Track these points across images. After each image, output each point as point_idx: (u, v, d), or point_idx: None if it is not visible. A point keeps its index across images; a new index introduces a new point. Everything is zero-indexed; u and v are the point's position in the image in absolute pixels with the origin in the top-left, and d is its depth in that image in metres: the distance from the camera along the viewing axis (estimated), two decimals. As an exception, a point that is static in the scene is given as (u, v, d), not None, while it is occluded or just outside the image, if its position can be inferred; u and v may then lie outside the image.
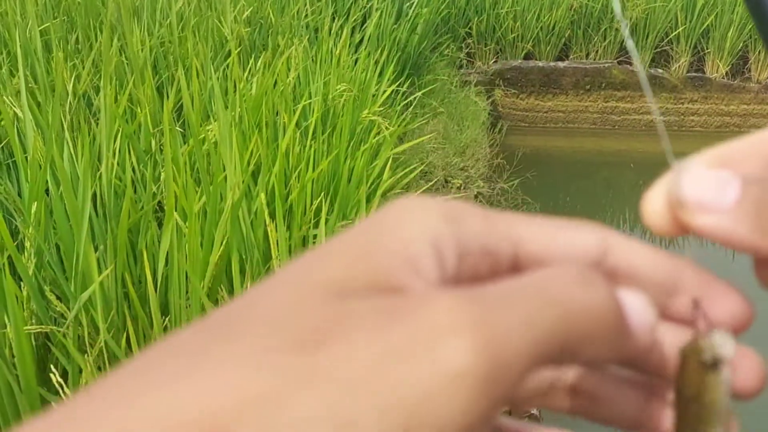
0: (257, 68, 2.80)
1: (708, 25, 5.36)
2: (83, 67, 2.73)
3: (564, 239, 0.23)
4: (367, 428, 0.16)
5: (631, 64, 5.35)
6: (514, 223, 0.23)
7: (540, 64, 5.24)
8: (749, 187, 0.24)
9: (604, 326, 0.20)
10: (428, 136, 3.21)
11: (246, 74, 2.78)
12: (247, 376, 0.17)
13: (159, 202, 2.02)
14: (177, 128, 2.32)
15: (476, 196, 3.18)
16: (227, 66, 2.85)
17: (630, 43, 0.31)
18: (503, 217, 0.23)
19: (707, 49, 5.47)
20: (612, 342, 0.21)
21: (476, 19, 5.11)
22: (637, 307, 0.22)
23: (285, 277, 0.20)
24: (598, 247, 0.23)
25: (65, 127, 2.23)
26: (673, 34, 5.41)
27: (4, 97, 2.30)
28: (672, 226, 0.25)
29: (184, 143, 2.28)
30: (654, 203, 0.25)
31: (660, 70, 5.45)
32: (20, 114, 2.17)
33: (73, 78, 2.56)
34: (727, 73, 5.44)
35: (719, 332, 0.22)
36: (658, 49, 5.50)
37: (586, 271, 0.21)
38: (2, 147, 2.22)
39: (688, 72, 5.46)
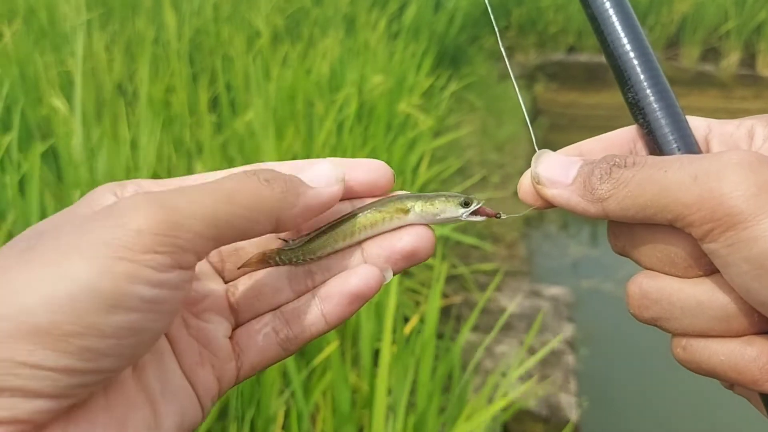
0: (292, 58, 2.76)
1: (760, 20, 5.12)
2: (120, 58, 2.73)
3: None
4: None
5: (677, 59, 5.16)
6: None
7: (582, 59, 5.09)
8: (582, 167, 0.34)
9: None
10: (465, 132, 3.13)
11: (282, 65, 2.75)
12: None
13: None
14: (212, 115, 2.30)
15: (515, 194, 3.08)
16: (262, 56, 2.82)
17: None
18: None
19: (759, 45, 5.23)
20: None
21: (516, 11, 4.99)
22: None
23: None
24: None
25: (104, 115, 2.22)
26: (723, 29, 5.19)
27: (49, 89, 2.31)
28: (536, 199, 0.36)
29: (219, 132, 2.25)
30: (524, 182, 0.36)
31: (708, 67, 5.24)
32: (61, 106, 2.17)
33: (113, 69, 2.57)
34: (780, 70, 5.20)
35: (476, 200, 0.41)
36: (708, 45, 5.28)
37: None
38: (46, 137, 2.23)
39: (738, 69, 5.24)
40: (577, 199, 0.33)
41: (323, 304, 0.39)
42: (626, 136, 0.38)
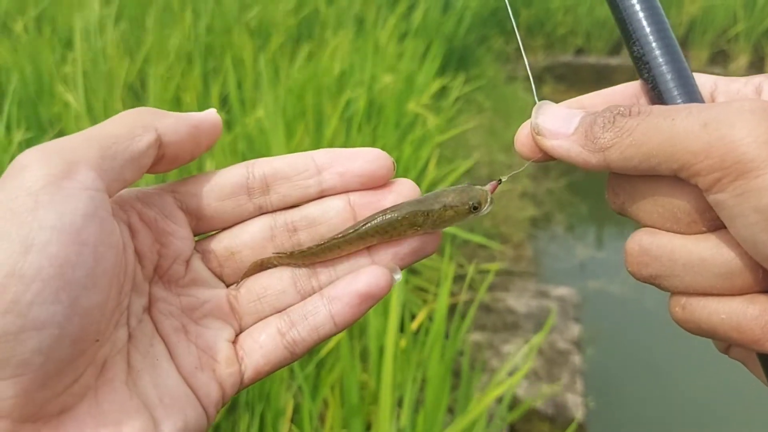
0: (303, 58, 2.77)
1: (770, 23, 5.11)
2: (132, 56, 2.75)
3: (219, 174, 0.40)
4: None
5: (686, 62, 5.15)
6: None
7: (590, 60, 5.08)
8: (585, 117, 0.32)
9: None
10: (471, 125, 3.13)
11: (291, 64, 2.76)
12: None
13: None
14: (222, 113, 2.32)
15: (522, 195, 3.09)
16: (273, 55, 2.83)
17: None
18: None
19: (768, 48, 5.21)
20: None
21: (525, 12, 4.99)
22: None
23: None
24: (245, 172, 0.39)
25: (114, 112, 2.24)
26: (732, 32, 5.18)
27: (60, 85, 2.33)
28: (534, 150, 0.34)
29: (229, 130, 2.26)
30: (522, 133, 0.35)
31: (717, 70, 5.22)
32: (73, 101, 2.19)
33: (126, 67, 2.59)
34: (789, 73, 5.18)
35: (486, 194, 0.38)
36: (716, 48, 5.27)
37: None
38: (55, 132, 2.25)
39: (747, 72, 5.22)
40: (578, 149, 0.32)
41: (332, 305, 0.38)
42: (629, 91, 0.36)
